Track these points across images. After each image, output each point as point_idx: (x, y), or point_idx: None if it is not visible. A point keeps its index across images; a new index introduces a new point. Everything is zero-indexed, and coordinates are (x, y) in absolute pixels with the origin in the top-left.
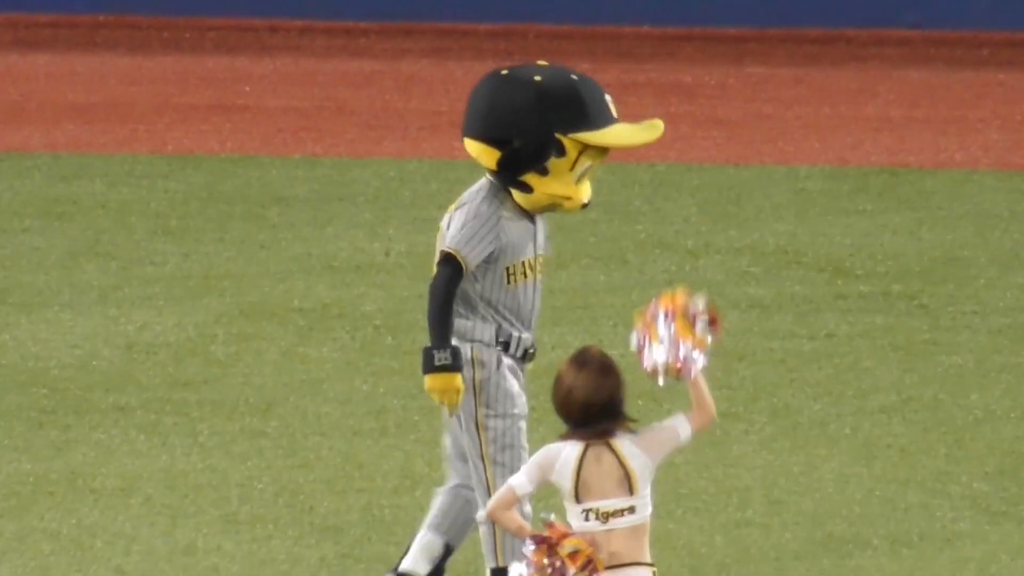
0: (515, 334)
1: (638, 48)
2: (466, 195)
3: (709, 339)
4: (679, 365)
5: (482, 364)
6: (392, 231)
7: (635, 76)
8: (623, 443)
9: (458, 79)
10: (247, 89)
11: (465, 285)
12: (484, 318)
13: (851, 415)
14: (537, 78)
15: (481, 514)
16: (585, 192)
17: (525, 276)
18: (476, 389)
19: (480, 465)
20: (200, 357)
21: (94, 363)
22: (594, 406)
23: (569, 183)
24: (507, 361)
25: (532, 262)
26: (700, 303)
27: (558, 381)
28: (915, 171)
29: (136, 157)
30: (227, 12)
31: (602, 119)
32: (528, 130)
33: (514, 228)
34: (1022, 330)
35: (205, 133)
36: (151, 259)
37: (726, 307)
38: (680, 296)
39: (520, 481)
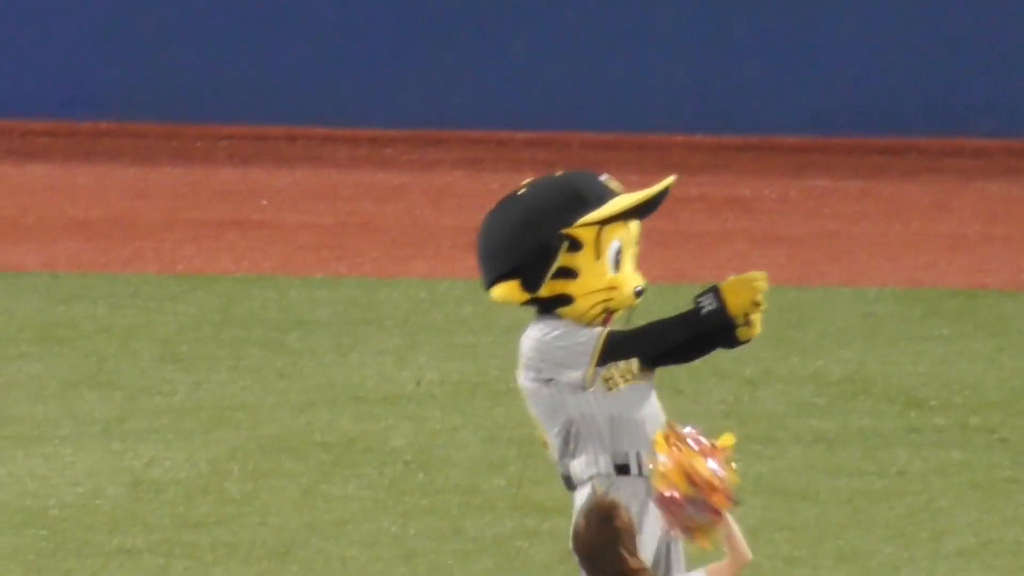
0: (632, 451)
1: (690, 159)
2: (527, 345)
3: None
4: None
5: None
6: (423, 358)
7: (687, 189)
8: None
9: (493, 192)
10: (264, 203)
11: (564, 412)
12: (595, 447)
13: (926, 559)
14: (520, 191)
15: None
16: (633, 279)
17: (625, 380)
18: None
19: None
20: (213, 495)
21: (97, 502)
22: (596, 560)
23: (605, 273)
24: (630, 489)
25: (627, 365)
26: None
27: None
28: (994, 293)
29: (142, 277)
30: (241, 120)
31: (602, 196)
32: (529, 243)
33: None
34: None
35: (218, 251)
36: (159, 388)
37: (788, 441)
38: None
39: None
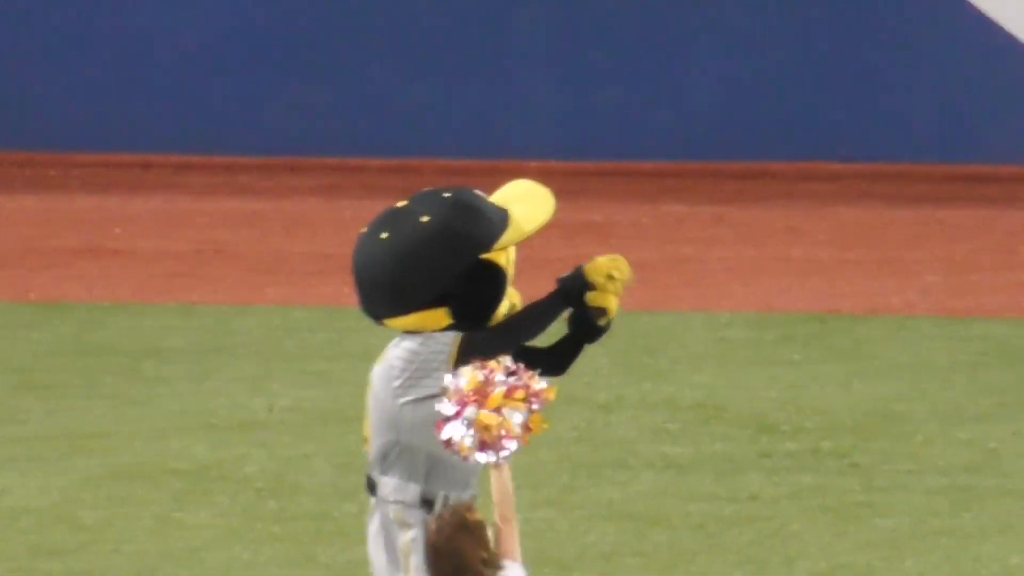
0: (442, 493)
1: (544, 184)
2: (397, 355)
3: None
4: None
5: (407, 526)
6: (276, 386)
7: None
8: None
9: (348, 219)
10: (118, 231)
11: (395, 432)
12: (409, 474)
13: None
14: (424, 219)
15: None
16: (516, 294)
17: None
18: (403, 554)
19: None
20: (67, 523)
21: None
22: (447, 568)
23: (510, 293)
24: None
25: None
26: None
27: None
28: (847, 317)
29: None
30: (96, 148)
31: (501, 214)
32: (458, 273)
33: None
34: (962, 491)
35: (72, 279)
36: (13, 417)
37: (639, 466)
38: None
39: None
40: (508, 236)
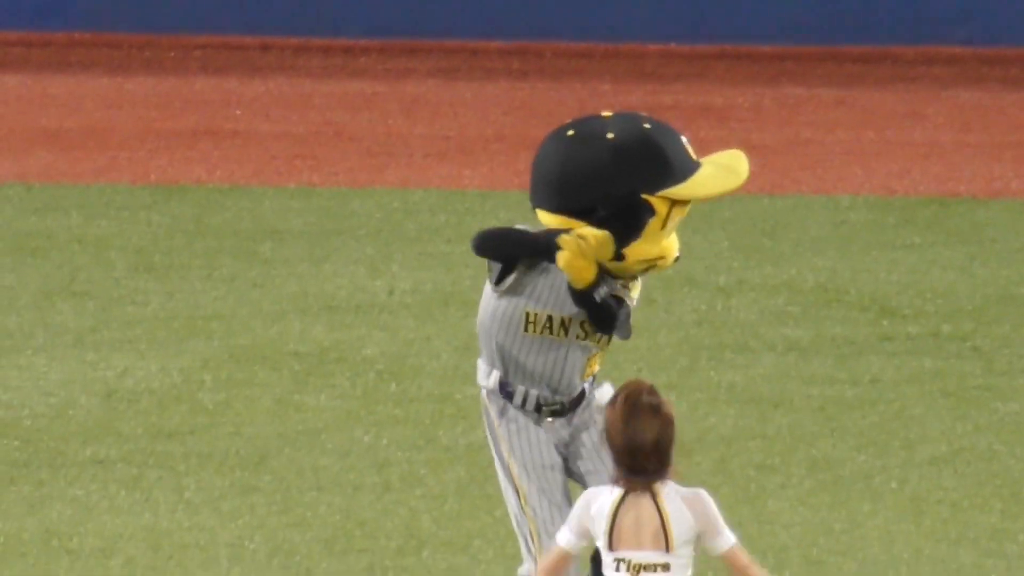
0: (521, 387)
1: (664, 68)
2: None
3: None
4: None
5: (487, 411)
6: (396, 268)
7: (661, 98)
8: (668, 495)
9: (467, 101)
10: (237, 113)
11: (483, 313)
12: (490, 359)
13: (898, 468)
14: (610, 135)
15: (523, 570)
16: (675, 246)
17: (551, 332)
18: (494, 435)
19: (519, 514)
20: (186, 405)
21: (70, 412)
22: (639, 448)
23: (660, 241)
24: (514, 411)
25: (568, 321)
26: None
27: (605, 419)
28: (967, 201)
29: (116, 187)
30: (215, 29)
31: (687, 167)
32: (611, 196)
33: (560, 277)
34: None
35: (191, 161)
36: (132, 298)
37: (761, 349)
38: None
39: (565, 536)
40: (677, 190)
